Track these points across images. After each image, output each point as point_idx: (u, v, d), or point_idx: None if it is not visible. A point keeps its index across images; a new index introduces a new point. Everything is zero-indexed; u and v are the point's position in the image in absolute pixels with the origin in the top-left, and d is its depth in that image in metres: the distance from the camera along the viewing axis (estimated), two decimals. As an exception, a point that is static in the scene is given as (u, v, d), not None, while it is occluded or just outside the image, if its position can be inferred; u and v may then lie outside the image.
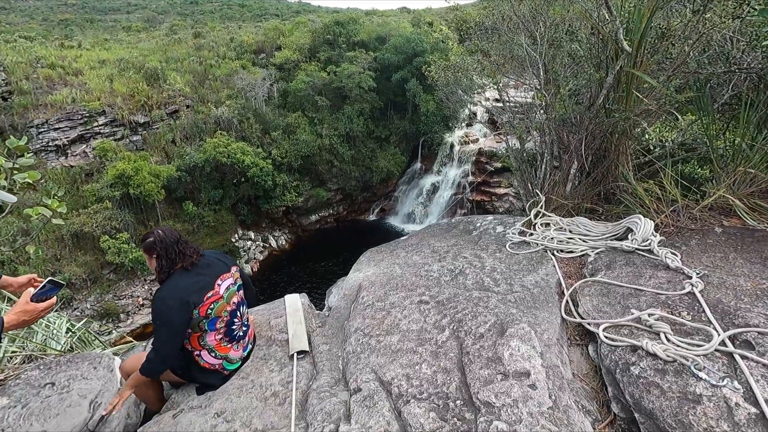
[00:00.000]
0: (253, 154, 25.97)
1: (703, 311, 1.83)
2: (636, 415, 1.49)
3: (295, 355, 2.32)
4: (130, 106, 24.03)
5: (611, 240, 2.71)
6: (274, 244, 29.85)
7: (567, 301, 2.25)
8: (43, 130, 20.90)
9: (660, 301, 1.98)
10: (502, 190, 31.31)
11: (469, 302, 2.33)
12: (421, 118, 31.31)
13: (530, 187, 3.75)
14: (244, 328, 2.38)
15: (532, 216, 3.15)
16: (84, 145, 22.11)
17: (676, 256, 2.27)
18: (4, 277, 2.02)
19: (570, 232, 2.96)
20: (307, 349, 2.38)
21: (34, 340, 3.04)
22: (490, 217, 3.71)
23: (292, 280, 26.32)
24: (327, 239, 31.18)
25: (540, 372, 1.72)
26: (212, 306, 2.16)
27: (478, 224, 3.66)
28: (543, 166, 3.33)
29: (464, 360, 1.92)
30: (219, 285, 2.22)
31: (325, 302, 3.58)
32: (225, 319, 2.23)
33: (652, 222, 2.53)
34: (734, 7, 2.50)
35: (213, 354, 2.24)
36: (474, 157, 31.82)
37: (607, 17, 2.69)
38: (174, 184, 23.81)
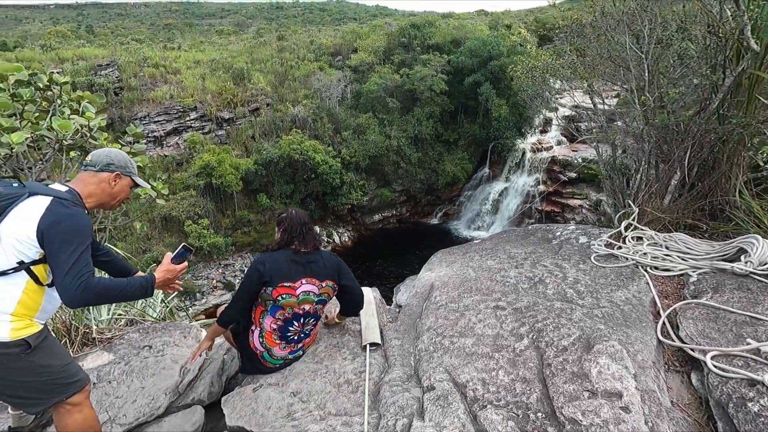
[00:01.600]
0: (324, 153, 26.93)
1: (841, 350, 1.58)
2: (753, 456, 1.32)
3: (368, 346, 2.35)
4: (218, 103, 26.03)
5: (718, 260, 2.43)
6: (337, 240, 30.72)
7: (664, 323, 2.06)
8: (145, 122, 23.33)
9: (783, 333, 1.74)
10: (576, 202, 29.55)
11: (551, 312, 2.22)
12: (492, 123, 30.51)
13: (621, 198, 3.48)
14: (301, 335, 2.34)
15: (622, 228, 2.92)
16: (177, 137, 24.34)
17: (804, 284, 1.98)
18: (139, 272, 2.25)
19: (666, 248, 2.71)
20: (380, 342, 2.40)
21: (135, 306, 3.39)
22: (571, 226, 3.51)
23: (357, 276, 26.87)
24: (388, 239, 31.45)
25: (634, 395, 1.58)
26: (283, 296, 2.20)
27: (558, 233, 3.48)
28: (639, 176, 3.07)
29: (546, 372, 1.83)
30: (301, 283, 2.22)
31: (393, 299, 3.60)
32: (287, 315, 2.24)
33: (772, 244, 2.23)
34: None
35: (261, 339, 2.28)
36: (546, 166, 30.38)
37: (728, 13, 2.41)
38: (251, 176, 25.38)
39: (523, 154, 31.28)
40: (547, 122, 33.06)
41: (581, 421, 1.52)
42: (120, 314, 3.27)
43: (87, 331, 2.95)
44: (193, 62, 28.65)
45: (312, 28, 49.43)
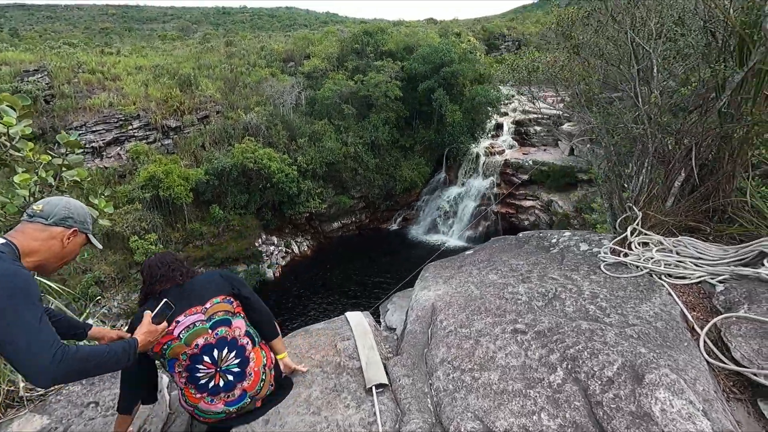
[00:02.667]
0: (279, 161, 26.11)
1: None
2: None
3: (374, 389, 1.99)
4: (163, 110, 24.54)
5: (737, 265, 2.30)
6: (296, 249, 29.87)
7: (705, 341, 1.86)
8: (81, 132, 21.46)
9: None
10: (528, 203, 30.59)
11: (580, 335, 1.96)
12: (447, 128, 31.02)
13: (620, 202, 3.36)
14: (228, 378, 1.90)
15: (628, 233, 2.76)
16: (118, 148, 22.62)
17: None
18: (94, 327, 1.98)
19: (677, 254, 2.56)
20: (386, 381, 2.05)
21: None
22: (567, 233, 3.33)
23: (314, 287, 26.20)
24: (348, 247, 31.03)
25: (714, 439, 1.34)
26: (165, 347, 1.85)
27: (554, 240, 3.29)
28: (640, 178, 2.95)
29: (598, 412, 1.56)
30: (176, 323, 1.86)
31: (382, 320, 3.26)
32: (184, 363, 1.87)
33: (797, 247, 2.12)
34: None
35: (184, 399, 1.93)
36: (500, 169, 31.26)
37: (737, 5, 2.31)
38: (202, 187, 24.08)
39: (477, 158, 32.03)
40: (498, 126, 34.11)
41: (664, 480, 1.25)
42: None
43: (11, 389, 2.36)
44: (134, 68, 26.87)
45: (262, 33, 48.15)
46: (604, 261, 2.69)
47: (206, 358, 1.88)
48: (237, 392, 1.93)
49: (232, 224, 25.56)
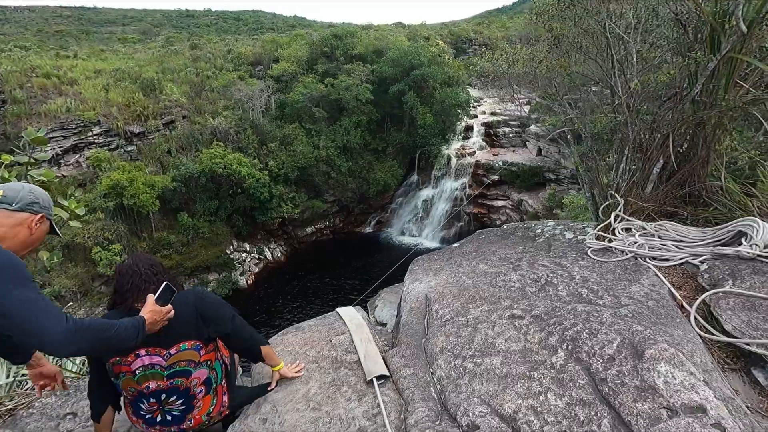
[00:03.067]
0: (250, 165, 25.62)
1: None
2: None
3: (374, 380, 1.94)
4: (126, 116, 23.60)
5: (716, 246, 2.40)
6: (269, 256, 29.34)
7: (695, 317, 1.92)
8: (34, 138, 20.33)
9: (828, 316, 1.66)
10: (499, 203, 31.26)
11: (576, 317, 1.99)
12: (418, 131, 31.31)
13: (601, 190, 3.45)
14: (168, 417, 1.86)
15: (612, 220, 2.83)
16: (77, 155, 21.57)
17: (821, 262, 1.96)
18: (38, 352, 1.85)
19: (659, 237, 2.65)
20: (387, 373, 2.00)
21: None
22: (551, 223, 3.39)
23: (289, 294, 25.79)
24: (323, 251, 30.76)
25: (719, 407, 1.37)
26: (120, 375, 1.80)
27: (539, 230, 3.34)
28: (621, 167, 3.05)
29: (603, 389, 1.57)
30: (136, 356, 1.78)
31: (371, 316, 3.22)
32: (131, 393, 1.83)
33: (771, 225, 2.23)
34: None
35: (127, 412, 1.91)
36: (471, 170, 31.80)
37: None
38: (169, 194, 23.30)
39: (449, 159, 32.48)
40: (468, 128, 34.72)
41: (676, 448, 1.27)
42: (25, 374, 2.49)
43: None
44: (93, 72, 25.74)
45: (228, 37, 47.18)
46: (590, 247, 2.75)
47: (152, 399, 1.84)
48: (174, 428, 1.90)
49: (202, 232, 24.81)
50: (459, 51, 49.93)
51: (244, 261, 27.24)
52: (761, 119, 2.40)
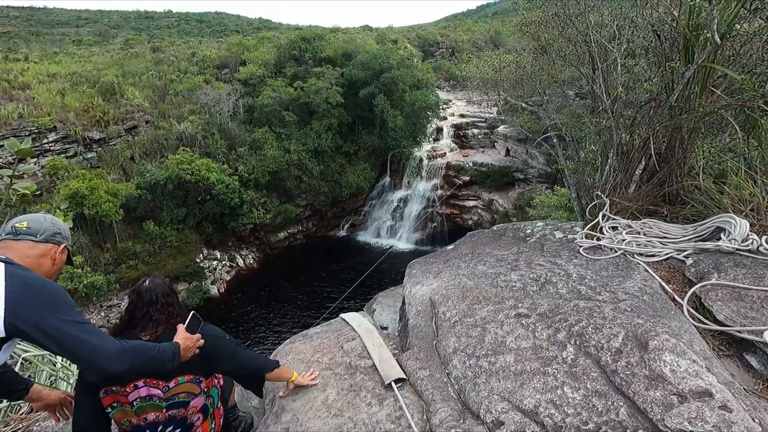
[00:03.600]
0: (219, 171, 25.02)
1: None
2: None
3: (393, 384, 1.98)
4: (84, 121, 22.53)
5: (698, 241, 2.58)
6: (241, 263, 28.72)
7: (688, 309, 2.07)
8: (-17, 146, 19.07)
9: (806, 303, 1.83)
10: (471, 203, 31.89)
11: (580, 313, 2.10)
12: (389, 133, 31.51)
13: (588, 191, 3.62)
14: None
15: (600, 219, 2.99)
16: (32, 163, 20.36)
17: (794, 254, 2.16)
18: (35, 385, 1.89)
19: (644, 234, 2.82)
20: (404, 376, 2.05)
21: (38, 381, 2.49)
22: (540, 223, 3.54)
23: (262, 301, 25.32)
24: (296, 256, 30.41)
25: (723, 390, 1.50)
26: (113, 405, 1.78)
27: (529, 230, 3.48)
28: (606, 168, 3.22)
29: (615, 380, 1.67)
30: (134, 387, 1.77)
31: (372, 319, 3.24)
32: (127, 427, 1.82)
33: (746, 221, 2.42)
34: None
35: None
36: (443, 171, 32.30)
37: (676, 11, 2.63)
38: (133, 202, 22.42)
39: (421, 161, 32.86)
40: (439, 130, 35.25)
41: (692, 431, 1.38)
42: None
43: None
44: (46, 76, 24.43)
45: (191, 39, 45.88)
46: (581, 246, 2.89)
47: (148, 431, 1.83)
48: None
49: (170, 240, 24.00)
50: (427, 54, 50.65)
51: (215, 269, 26.55)
52: (733, 123, 2.62)
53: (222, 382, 2.09)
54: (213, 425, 1.96)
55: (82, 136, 22.02)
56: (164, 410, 1.81)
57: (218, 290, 25.60)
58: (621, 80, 3.02)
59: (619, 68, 3.04)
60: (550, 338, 2.01)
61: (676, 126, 2.85)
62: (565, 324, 2.06)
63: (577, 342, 1.93)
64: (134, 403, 1.77)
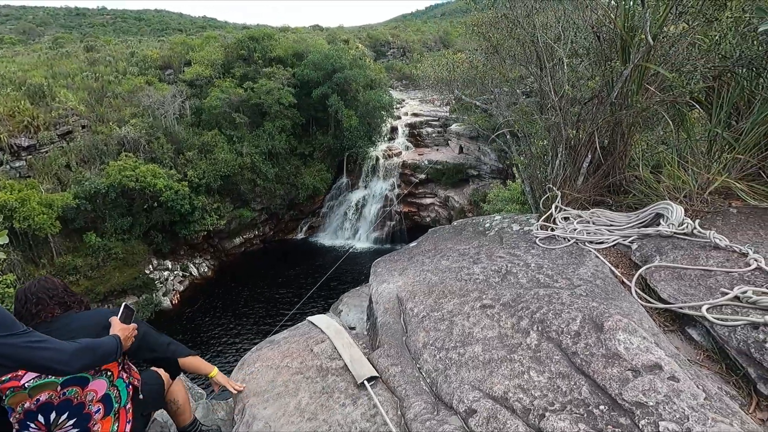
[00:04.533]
0: (166, 177, 23.84)
1: (784, 282, 1.91)
2: (796, 390, 1.46)
3: (366, 383, 1.98)
4: (10, 127, 20.71)
5: (640, 227, 2.78)
6: (195, 272, 27.56)
7: (635, 290, 2.23)
8: None
9: (735, 278, 2.03)
10: (428, 200, 32.45)
11: (540, 301, 2.20)
12: (345, 134, 31.40)
13: (540, 184, 3.80)
14: None
15: (553, 210, 3.15)
16: (-51, 174, 18.50)
17: (723, 236, 2.38)
18: None
19: (593, 223, 3.00)
20: (376, 374, 2.06)
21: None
22: (498, 217, 3.67)
23: (219, 310, 24.43)
24: (253, 262, 29.63)
25: (671, 363, 1.63)
26: (7, 392, 1.72)
27: (487, 224, 3.59)
28: (556, 162, 3.39)
29: (576, 361, 1.78)
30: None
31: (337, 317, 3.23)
32: (18, 416, 1.75)
33: (681, 207, 2.64)
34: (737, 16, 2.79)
35: None
36: (399, 170, 32.62)
37: (613, 15, 2.83)
38: (71, 214, 20.89)
39: (377, 161, 33.00)
40: (394, 130, 35.55)
41: (646, 402, 1.49)
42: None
43: None
44: (-38, 77, 22.20)
45: (129, 38, 43.27)
46: (537, 236, 3.03)
47: (40, 418, 1.74)
48: None
49: (115, 252, 22.58)
50: (378, 54, 50.87)
51: (167, 280, 25.30)
52: (666, 117, 2.85)
53: (137, 382, 2.03)
54: (116, 426, 1.85)
55: (8, 144, 20.22)
56: (59, 388, 1.75)
57: (171, 302, 24.42)
58: (567, 78, 3.20)
59: (565, 67, 3.23)
60: (514, 326, 2.10)
61: (617, 121, 3.06)
62: (527, 312, 2.15)
63: (540, 328, 2.02)
64: (26, 385, 1.72)
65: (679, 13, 2.90)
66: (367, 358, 2.18)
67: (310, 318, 2.73)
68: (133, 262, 23.41)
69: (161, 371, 2.23)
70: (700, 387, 1.53)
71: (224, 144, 27.33)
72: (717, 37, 3.27)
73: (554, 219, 3.15)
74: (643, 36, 2.56)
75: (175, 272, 26.21)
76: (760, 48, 2.90)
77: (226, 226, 27.90)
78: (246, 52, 31.29)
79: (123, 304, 2.01)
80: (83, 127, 23.86)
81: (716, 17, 3.15)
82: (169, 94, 26.59)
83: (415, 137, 34.86)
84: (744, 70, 3.10)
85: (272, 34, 33.09)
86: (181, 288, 25.67)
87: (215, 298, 25.38)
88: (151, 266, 24.63)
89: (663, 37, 2.81)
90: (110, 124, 23.94)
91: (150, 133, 24.71)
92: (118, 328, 1.84)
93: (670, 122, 2.83)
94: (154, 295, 23.36)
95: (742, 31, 3.06)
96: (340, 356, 2.19)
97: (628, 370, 1.65)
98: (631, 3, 2.75)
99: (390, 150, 33.58)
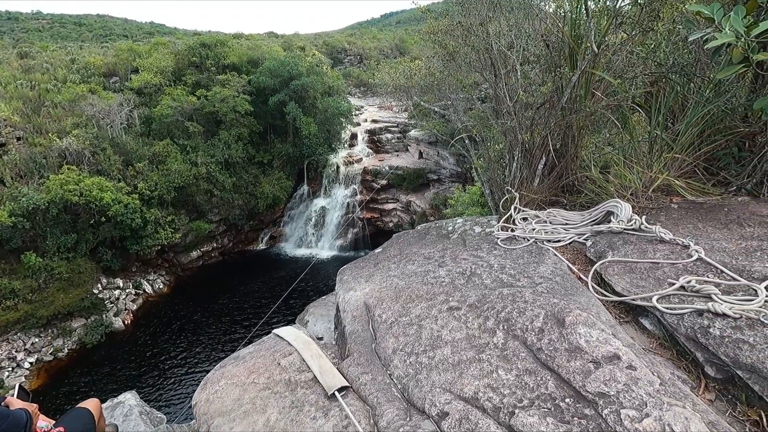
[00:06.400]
0: (114, 190, 22.59)
1: (722, 271, 2.06)
2: (738, 372, 1.58)
3: (337, 393, 1.95)
4: (-67, 139, 18.95)
5: (593, 225, 2.93)
6: (149, 289, 26.23)
7: (592, 285, 2.34)
8: None
9: (680, 269, 2.17)
10: (390, 206, 32.63)
11: (504, 300, 2.26)
12: (304, 141, 31.06)
13: (499, 186, 3.91)
14: None
15: (512, 212, 3.26)
16: None
17: (667, 230, 2.54)
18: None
19: (550, 223, 3.13)
20: (346, 384, 2.02)
21: None
22: (459, 220, 3.74)
23: (175, 328, 23.34)
24: (212, 276, 28.60)
25: (628, 352, 1.72)
26: None
27: (450, 227, 3.66)
28: (513, 165, 3.51)
29: (541, 357, 1.83)
30: None
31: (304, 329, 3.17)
32: None
33: (629, 205, 2.81)
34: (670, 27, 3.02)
35: None
36: (360, 177, 32.64)
37: (561, 24, 2.99)
38: (7, 233, 19.35)
39: (338, 168, 32.87)
40: (353, 136, 35.58)
41: (608, 392, 1.56)
42: None
43: None
44: None
45: (69, 44, 40.78)
46: (498, 237, 3.11)
47: None
48: None
49: (58, 272, 21.05)
50: (335, 61, 50.86)
51: (118, 299, 23.89)
52: (614, 120, 3.04)
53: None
54: None
55: (-70, 159, 18.49)
56: None
57: (124, 322, 23.08)
58: (520, 84, 3.34)
59: (518, 74, 3.36)
60: (480, 327, 2.14)
61: (568, 125, 3.22)
62: (492, 311, 2.20)
63: (505, 327, 2.07)
64: None
65: (619, 23, 3.11)
66: (337, 368, 2.15)
67: (276, 330, 2.65)
68: (79, 281, 21.93)
69: (90, 404, 2.13)
70: (655, 374, 1.62)
71: (177, 154, 26.27)
72: (652, 46, 3.54)
73: (514, 220, 3.25)
74: (588, 44, 2.72)
75: (127, 290, 24.82)
76: (689, 56, 3.14)
77: (181, 239, 26.76)
78: (198, 59, 30.34)
79: (17, 384, 2.10)
80: (18, 139, 22.21)
81: (651, 27, 3.40)
82: (115, 103, 25.29)
83: (375, 143, 35.04)
84: (677, 76, 3.35)
85: (225, 40, 32.29)
86: (134, 307, 24.33)
87: (173, 316, 24.22)
88: (100, 285, 23.19)
89: (606, 46, 3.00)
90: (50, 135, 22.42)
91: (95, 144, 23.34)
92: (19, 405, 1.88)
93: (618, 124, 3.01)
94: (103, 316, 21.99)
95: (674, 41, 3.31)
96: (309, 368, 2.14)
97: (590, 362, 1.72)
98: (577, 13, 2.91)
99: (350, 157, 33.55)
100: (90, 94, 25.33)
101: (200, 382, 2.53)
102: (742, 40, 2.23)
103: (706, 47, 2.45)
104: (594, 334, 1.85)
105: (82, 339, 20.84)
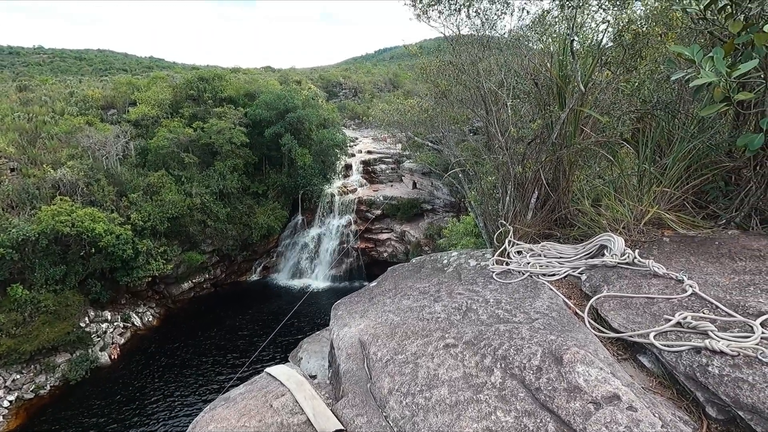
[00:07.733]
0: (107, 221, 22.46)
1: (717, 307, 2.06)
2: (739, 413, 1.55)
3: (331, 438, 1.88)
4: (-75, 171, 18.89)
5: (587, 259, 2.94)
6: (138, 322, 25.63)
7: (588, 320, 2.32)
8: None
9: (675, 304, 2.17)
10: (384, 236, 32.62)
11: (501, 337, 2.23)
12: (299, 172, 31.36)
13: (493, 220, 3.94)
14: None
15: (506, 245, 3.27)
16: None
17: (660, 264, 2.55)
18: None
19: (544, 256, 3.13)
20: (341, 427, 1.96)
21: None
22: (454, 253, 3.74)
23: (164, 363, 22.64)
24: (205, 308, 28.06)
25: (628, 392, 1.69)
26: None
27: (445, 260, 3.65)
28: (507, 198, 3.55)
29: (540, 397, 1.79)
30: None
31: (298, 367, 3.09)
32: None
33: (622, 238, 2.83)
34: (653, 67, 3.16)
35: None
36: (355, 207, 32.77)
37: (549, 64, 3.11)
38: (-6, 265, 19.01)
39: (332, 198, 33.03)
40: (348, 167, 35.96)
41: (609, 435, 1.52)
42: None
43: None
44: None
45: (69, 78, 41.51)
46: (494, 271, 3.11)
47: None
48: None
49: (45, 305, 20.60)
50: (331, 94, 52.07)
51: (105, 332, 23.29)
52: (605, 154, 3.11)
53: None
54: None
55: None
56: None
57: (110, 356, 22.42)
58: (511, 120, 3.44)
59: (509, 111, 3.46)
60: (478, 365, 2.10)
61: (558, 159, 3.29)
62: (489, 349, 2.17)
63: (503, 365, 2.04)
64: None
65: (604, 63, 3.24)
66: (331, 410, 2.09)
67: (268, 369, 2.59)
68: (66, 315, 21.42)
69: None
70: (656, 415, 1.58)
71: (172, 185, 26.35)
72: (636, 84, 3.67)
73: (508, 253, 3.26)
74: (576, 84, 2.82)
75: (115, 323, 24.25)
76: (673, 93, 3.27)
77: (173, 270, 26.44)
78: (195, 92, 30.96)
79: None
80: (12, 170, 22.21)
81: (635, 66, 3.54)
82: (111, 135, 25.53)
83: (370, 174, 35.42)
84: (662, 113, 3.47)
85: (223, 74, 33.07)
86: (122, 341, 23.71)
87: (161, 351, 23.57)
88: (87, 318, 22.66)
89: (593, 84, 3.12)
90: (44, 166, 22.46)
91: (89, 175, 23.39)
92: None
93: (609, 156, 3.09)
94: (89, 350, 21.37)
95: (657, 79, 3.45)
96: (303, 410, 2.08)
97: (590, 402, 1.68)
98: (563, 54, 3.04)
99: (345, 187, 33.79)
100: (87, 126, 25.60)
101: (188, 424, 2.43)
102: (723, 80, 2.33)
103: (689, 86, 2.55)
104: (593, 372, 1.83)
105: (65, 375, 20.13)
